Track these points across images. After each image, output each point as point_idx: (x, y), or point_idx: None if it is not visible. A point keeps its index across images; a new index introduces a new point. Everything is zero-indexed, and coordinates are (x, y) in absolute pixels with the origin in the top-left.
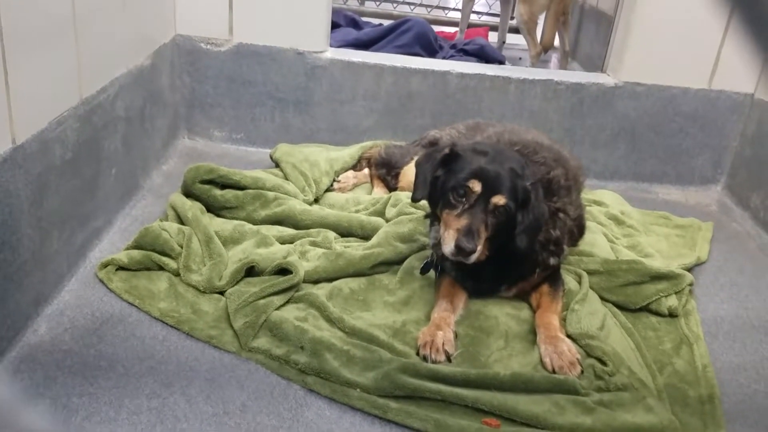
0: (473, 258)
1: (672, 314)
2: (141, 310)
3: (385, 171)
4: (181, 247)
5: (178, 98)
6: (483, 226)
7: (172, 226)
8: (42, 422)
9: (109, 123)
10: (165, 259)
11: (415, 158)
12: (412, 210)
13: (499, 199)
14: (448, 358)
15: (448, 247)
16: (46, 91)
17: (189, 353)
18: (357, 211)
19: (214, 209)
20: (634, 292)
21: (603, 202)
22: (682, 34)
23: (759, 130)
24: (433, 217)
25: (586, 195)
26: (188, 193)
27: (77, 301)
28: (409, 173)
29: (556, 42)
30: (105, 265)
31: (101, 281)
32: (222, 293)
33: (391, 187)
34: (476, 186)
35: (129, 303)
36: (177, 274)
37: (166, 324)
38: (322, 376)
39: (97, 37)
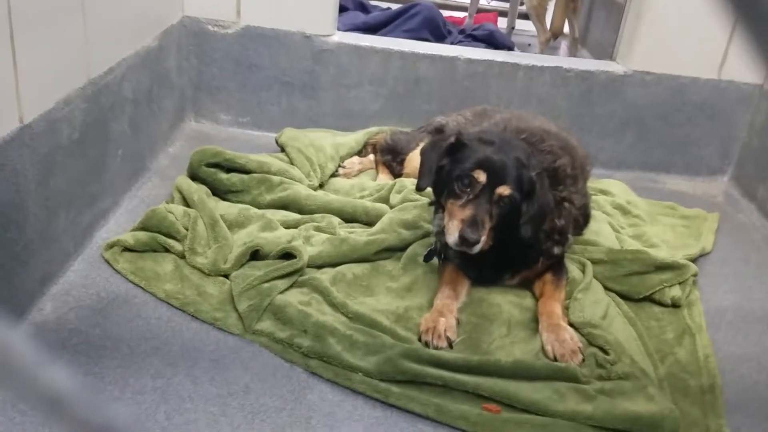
0: (477, 248)
1: (675, 304)
2: (146, 291)
3: (391, 157)
4: (187, 230)
5: (185, 80)
6: (487, 216)
7: (178, 208)
8: (63, 380)
9: (116, 104)
10: (171, 242)
11: (421, 145)
12: (417, 197)
13: (504, 190)
14: (450, 345)
15: (452, 238)
16: (54, 71)
17: (194, 334)
18: (362, 197)
19: (220, 193)
20: (638, 282)
21: (609, 191)
22: (692, 24)
23: (767, 121)
24: (438, 205)
25: (593, 184)
26: (194, 176)
27: (83, 281)
28: (414, 160)
29: (566, 29)
30: (111, 246)
31: (107, 262)
32: (227, 276)
33: (396, 174)
34: (481, 176)
35: (134, 284)
36: (182, 257)
37: (171, 305)
38: (325, 359)
39: (105, 17)
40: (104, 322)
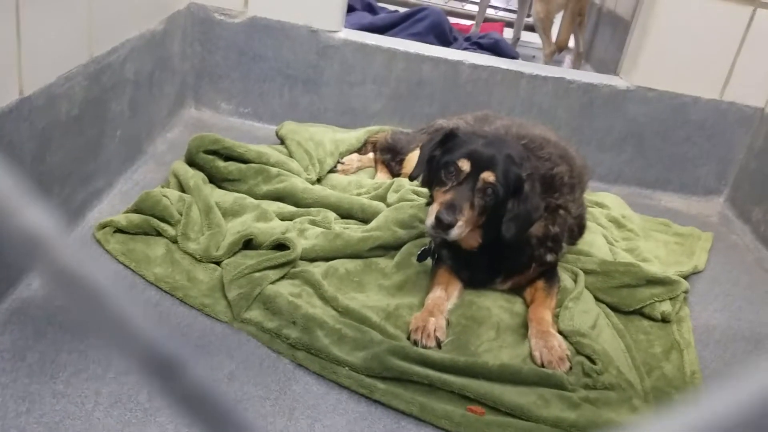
0: (453, 233)
1: (665, 319)
2: (136, 274)
3: (390, 156)
4: (181, 215)
5: (187, 67)
6: (468, 203)
7: (173, 193)
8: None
9: (118, 84)
10: (163, 225)
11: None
12: (414, 197)
13: (487, 176)
14: (438, 345)
15: (429, 221)
16: (57, 46)
17: (181, 319)
18: (359, 194)
19: (216, 180)
20: (629, 295)
21: (605, 204)
22: (698, 43)
23: (766, 144)
24: (432, 203)
25: (589, 196)
26: (191, 162)
27: None
28: (413, 160)
29: (571, 43)
30: (103, 227)
31: (98, 242)
32: (218, 263)
33: (395, 173)
34: (465, 165)
35: (125, 265)
36: (174, 241)
37: (161, 289)
38: (312, 352)
39: None
40: None
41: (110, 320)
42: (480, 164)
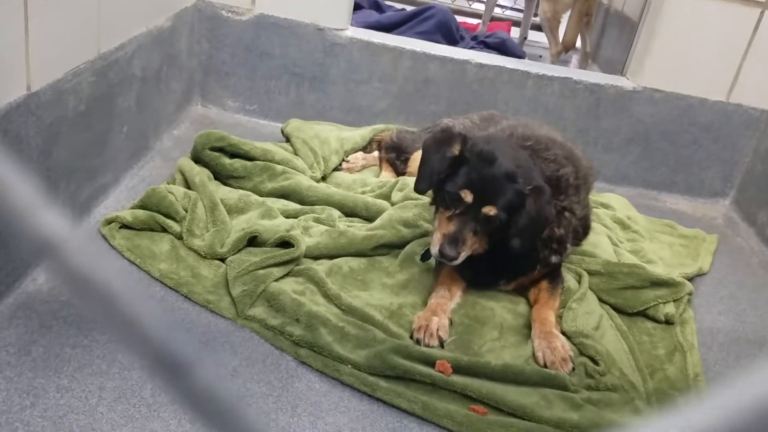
0: (457, 262)
1: (668, 321)
2: (141, 269)
3: (395, 155)
4: (186, 211)
5: (194, 63)
6: (471, 233)
7: (179, 189)
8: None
9: (125, 80)
10: (169, 222)
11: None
12: (418, 195)
13: (489, 210)
14: (441, 344)
15: (434, 249)
16: (65, 42)
17: (185, 315)
18: (363, 193)
19: (222, 177)
20: (633, 296)
21: (610, 205)
22: (705, 45)
23: None
24: (437, 205)
25: (594, 197)
26: (197, 159)
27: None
28: (418, 160)
29: (578, 43)
30: (109, 222)
31: (104, 237)
32: (222, 260)
33: (400, 172)
34: (468, 196)
35: (130, 261)
36: (179, 238)
37: (165, 285)
38: (315, 349)
39: None
40: None
41: (122, 322)
42: (482, 196)
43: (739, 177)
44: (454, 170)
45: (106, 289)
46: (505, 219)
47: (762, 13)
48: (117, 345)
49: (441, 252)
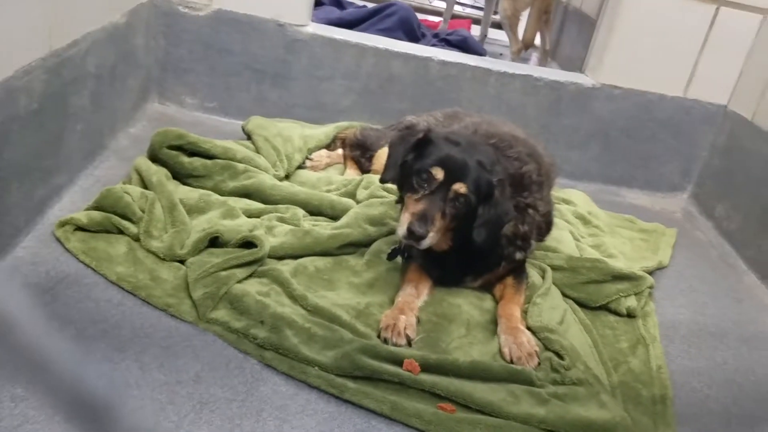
0: (425, 244)
1: (630, 314)
2: (97, 273)
3: (360, 153)
4: (143, 212)
5: (151, 60)
6: (439, 213)
7: (135, 189)
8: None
9: (79, 78)
10: (125, 223)
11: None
12: (384, 193)
13: (459, 187)
14: (409, 343)
15: (401, 230)
16: (15, 39)
17: (144, 320)
18: (328, 191)
19: (181, 177)
20: (595, 290)
21: (572, 201)
22: (662, 42)
23: (729, 141)
24: (403, 202)
25: (556, 193)
26: (154, 158)
27: (32, 258)
28: (383, 156)
29: (537, 40)
30: (63, 224)
31: (58, 240)
32: (182, 262)
33: (365, 170)
34: (438, 173)
35: (85, 264)
36: (137, 239)
37: (123, 289)
38: (281, 352)
39: None
40: (52, 302)
41: (29, 360)
42: (452, 173)
43: (697, 171)
44: (420, 152)
45: (9, 324)
46: (474, 202)
47: (717, 9)
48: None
49: (409, 230)
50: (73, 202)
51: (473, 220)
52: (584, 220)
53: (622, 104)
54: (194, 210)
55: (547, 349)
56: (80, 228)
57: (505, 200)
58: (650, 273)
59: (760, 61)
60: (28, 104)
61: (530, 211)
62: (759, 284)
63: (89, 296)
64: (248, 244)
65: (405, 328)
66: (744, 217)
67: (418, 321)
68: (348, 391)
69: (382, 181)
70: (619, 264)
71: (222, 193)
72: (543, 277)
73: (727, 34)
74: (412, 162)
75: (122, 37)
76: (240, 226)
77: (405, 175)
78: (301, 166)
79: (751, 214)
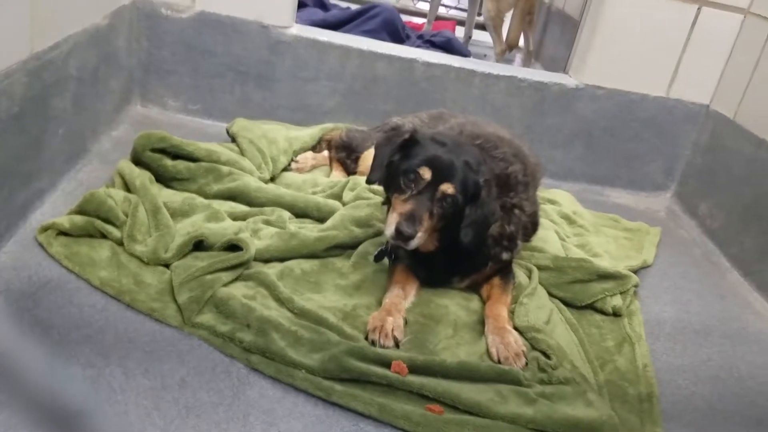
0: (413, 244)
1: (616, 313)
2: (80, 278)
3: (345, 154)
4: (127, 216)
5: (134, 62)
6: (427, 213)
7: (119, 193)
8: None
9: (60, 81)
10: (109, 227)
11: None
12: (370, 195)
13: (447, 188)
14: (397, 344)
15: (389, 230)
16: None
17: (128, 324)
18: (314, 193)
19: (164, 180)
20: (581, 290)
21: (556, 200)
22: (644, 42)
23: (711, 140)
24: (389, 204)
25: (541, 193)
26: (137, 161)
27: (14, 263)
28: (368, 158)
29: (521, 42)
30: (45, 229)
31: (41, 245)
32: (167, 266)
33: (351, 171)
34: (426, 173)
35: (68, 269)
36: (120, 244)
37: (106, 293)
38: (268, 355)
39: None
40: (34, 308)
41: (9, 366)
42: (440, 173)
43: (680, 170)
44: (406, 152)
45: None
46: (461, 203)
47: (699, 9)
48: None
49: (398, 230)
50: (56, 207)
51: (460, 221)
52: (569, 220)
53: (606, 104)
54: (178, 213)
55: (534, 348)
56: (63, 233)
57: (492, 200)
58: (635, 272)
59: (741, 61)
60: (9, 107)
61: (516, 211)
62: (742, 281)
63: (72, 301)
64: (233, 247)
65: (392, 330)
66: (726, 215)
67: (406, 322)
68: (335, 394)
69: (369, 182)
70: (605, 263)
71: (206, 196)
72: (529, 277)
73: (709, 34)
74: (398, 162)
75: (104, 39)
76: (225, 229)
77: (391, 175)
78: (286, 168)
79: (733, 213)
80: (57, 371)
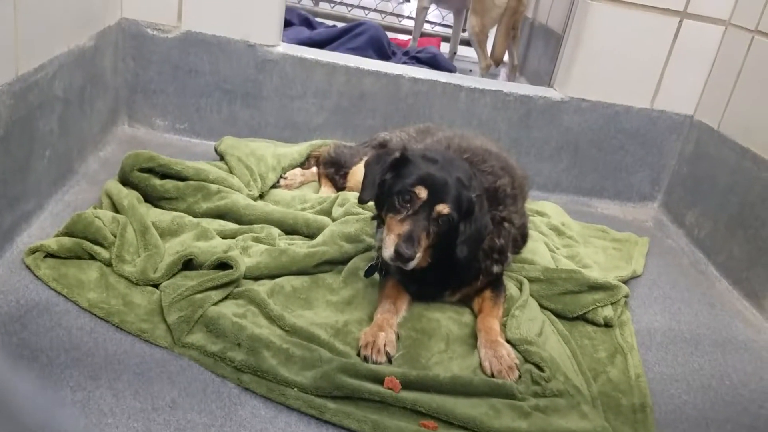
0: (412, 264)
1: (607, 324)
2: (69, 300)
3: (334, 170)
4: (115, 237)
5: (120, 82)
6: (424, 233)
7: (106, 214)
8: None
9: (46, 102)
10: (97, 248)
11: (365, 159)
12: (359, 210)
13: (443, 208)
14: (389, 360)
15: (387, 252)
16: None
17: (118, 346)
18: (303, 209)
19: (153, 199)
20: (572, 301)
21: (545, 212)
22: (627, 55)
23: (696, 150)
24: (380, 219)
25: (529, 205)
26: (125, 181)
27: (1, 286)
28: (357, 173)
29: (506, 56)
30: (33, 251)
31: (28, 267)
32: (156, 286)
33: (339, 187)
34: (422, 192)
35: (56, 292)
36: (109, 264)
37: (95, 315)
38: (259, 374)
39: (38, 13)
40: (22, 331)
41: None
42: (435, 192)
43: (666, 180)
44: (398, 171)
45: None
46: (456, 220)
47: (681, 21)
48: None
49: (397, 252)
50: (43, 229)
51: (455, 237)
52: (558, 232)
53: (591, 116)
54: (167, 233)
55: (527, 361)
56: (50, 255)
57: (484, 215)
58: (625, 282)
59: (724, 72)
60: None
61: (506, 224)
62: (730, 289)
63: (60, 324)
64: (223, 265)
65: (385, 345)
66: (713, 224)
67: (398, 337)
68: (328, 412)
69: (361, 201)
70: (595, 274)
71: (195, 215)
72: (520, 290)
73: (691, 45)
74: (391, 182)
75: (90, 59)
76: (214, 247)
77: (384, 195)
78: (275, 185)
79: (719, 221)
80: (46, 395)
